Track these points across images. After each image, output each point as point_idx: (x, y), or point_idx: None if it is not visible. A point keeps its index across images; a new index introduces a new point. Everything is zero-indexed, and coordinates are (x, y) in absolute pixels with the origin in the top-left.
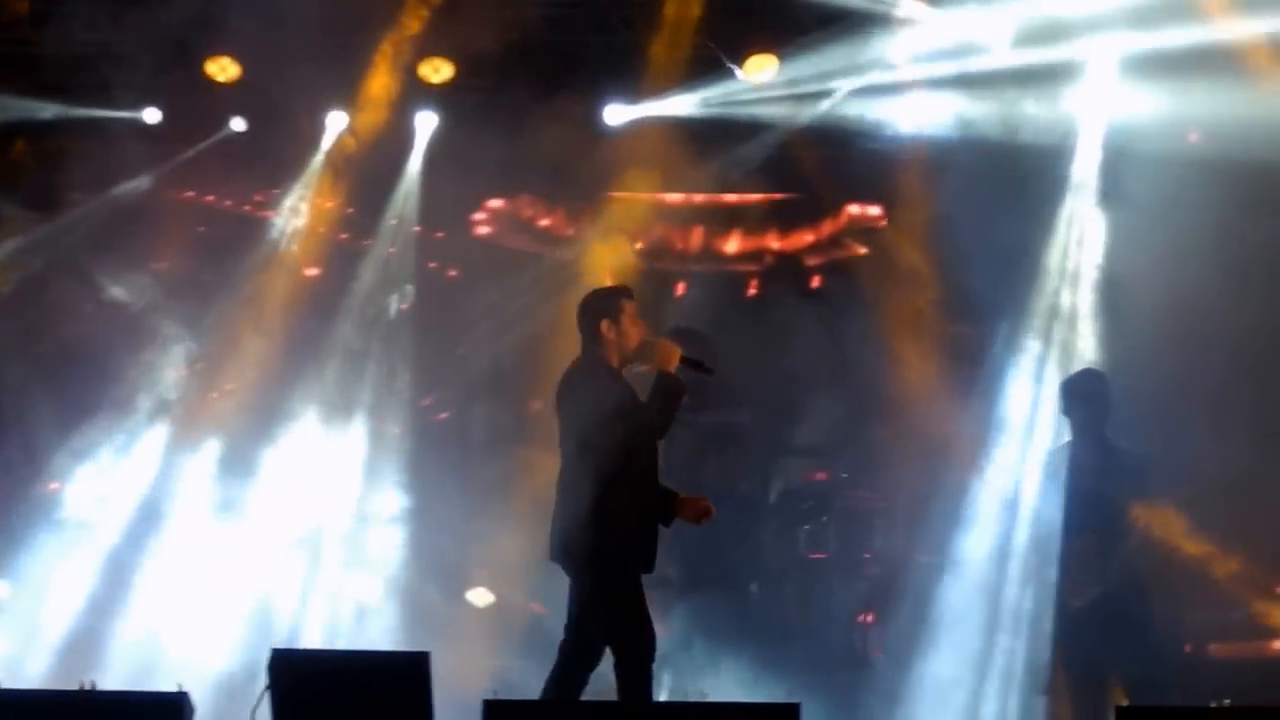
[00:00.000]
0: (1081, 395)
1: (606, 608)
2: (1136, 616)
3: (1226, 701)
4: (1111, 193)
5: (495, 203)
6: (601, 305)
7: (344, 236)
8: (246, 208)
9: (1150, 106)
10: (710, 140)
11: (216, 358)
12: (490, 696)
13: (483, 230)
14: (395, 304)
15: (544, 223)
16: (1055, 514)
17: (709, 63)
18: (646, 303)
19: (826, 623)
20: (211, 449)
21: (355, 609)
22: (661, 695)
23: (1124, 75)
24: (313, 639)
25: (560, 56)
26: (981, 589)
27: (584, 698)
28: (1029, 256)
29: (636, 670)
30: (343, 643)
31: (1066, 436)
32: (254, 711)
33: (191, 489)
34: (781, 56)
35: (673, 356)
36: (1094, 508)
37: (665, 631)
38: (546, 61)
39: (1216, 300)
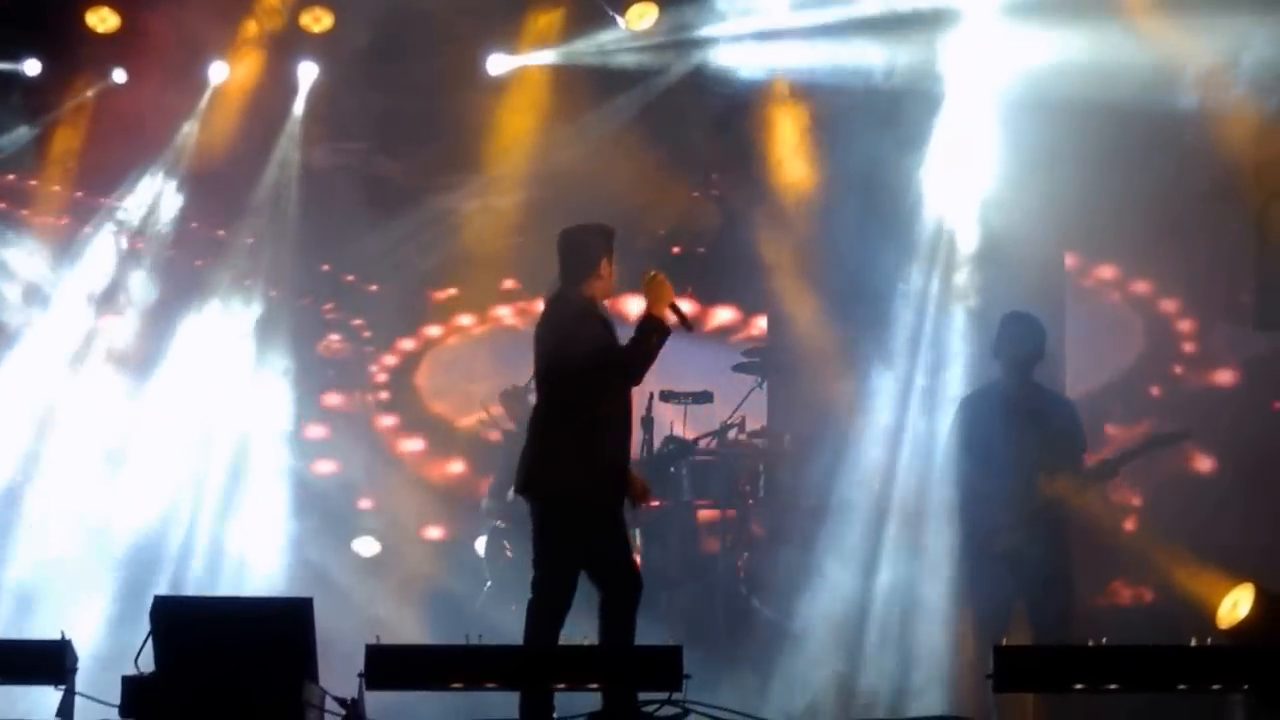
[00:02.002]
0: (1014, 337)
1: (565, 543)
2: (1048, 561)
3: (1104, 640)
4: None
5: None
6: (600, 242)
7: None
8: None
9: (1029, 53)
10: (591, 89)
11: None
12: (372, 642)
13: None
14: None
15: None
16: (979, 454)
17: (591, 11)
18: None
19: (709, 568)
20: (93, 392)
21: (241, 556)
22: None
23: (1003, 21)
24: (196, 585)
25: (441, 5)
26: (864, 531)
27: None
28: (909, 201)
29: (613, 608)
30: (227, 589)
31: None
32: (137, 658)
33: (73, 432)
34: (662, 4)
35: (665, 297)
36: (1023, 450)
37: None
38: (427, 10)
39: (1093, 247)
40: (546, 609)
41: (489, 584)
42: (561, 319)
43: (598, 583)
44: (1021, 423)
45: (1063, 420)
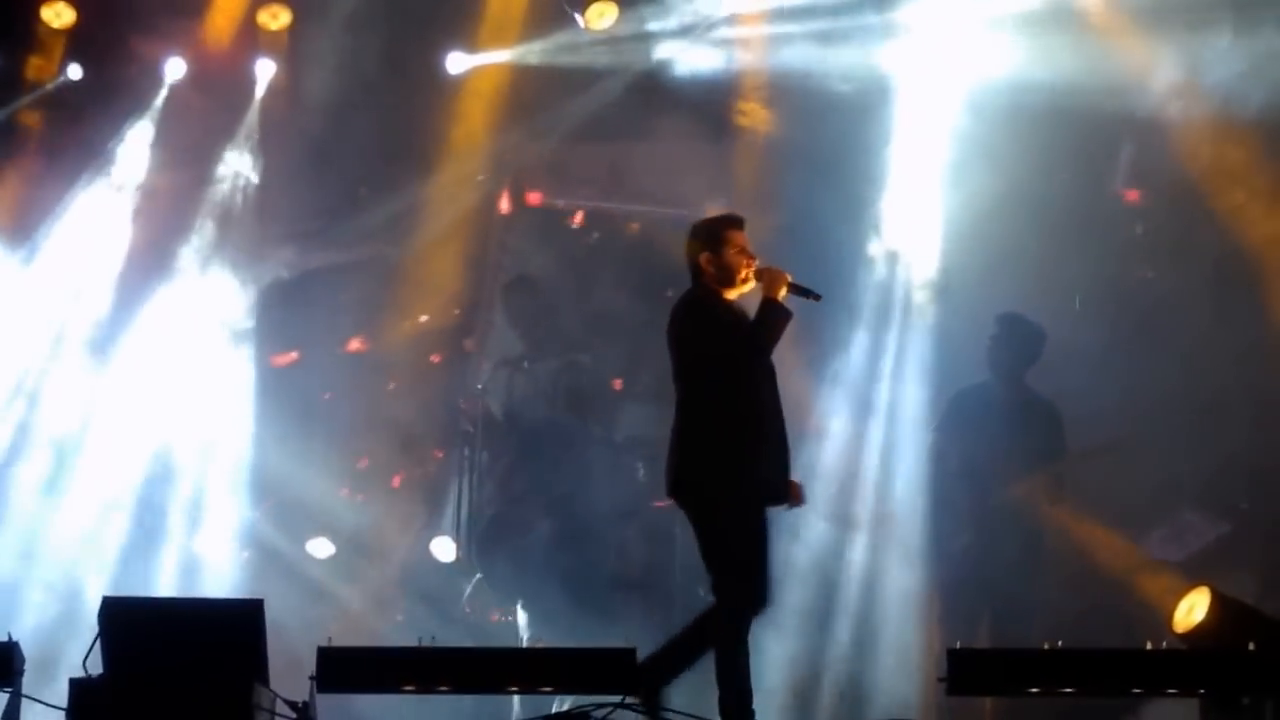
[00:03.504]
0: (1006, 339)
1: (712, 543)
2: (1015, 567)
3: (1059, 643)
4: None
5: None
6: (702, 238)
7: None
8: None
9: (985, 58)
10: (551, 88)
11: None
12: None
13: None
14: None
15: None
16: (959, 452)
17: (550, 10)
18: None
19: (668, 569)
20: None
21: (193, 556)
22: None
23: (961, 26)
24: (146, 586)
25: (400, 3)
26: (825, 532)
27: None
28: (865, 207)
29: (722, 618)
30: (178, 590)
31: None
32: (85, 659)
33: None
34: (622, 4)
35: (779, 283)
36: (1002, 452)
37: (527, 576)
38: (386, 8)
39: (1048, 250)
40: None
41: (470, 584)
42: (679, 317)
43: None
44: (1004, 425)
45: (1045, 424)
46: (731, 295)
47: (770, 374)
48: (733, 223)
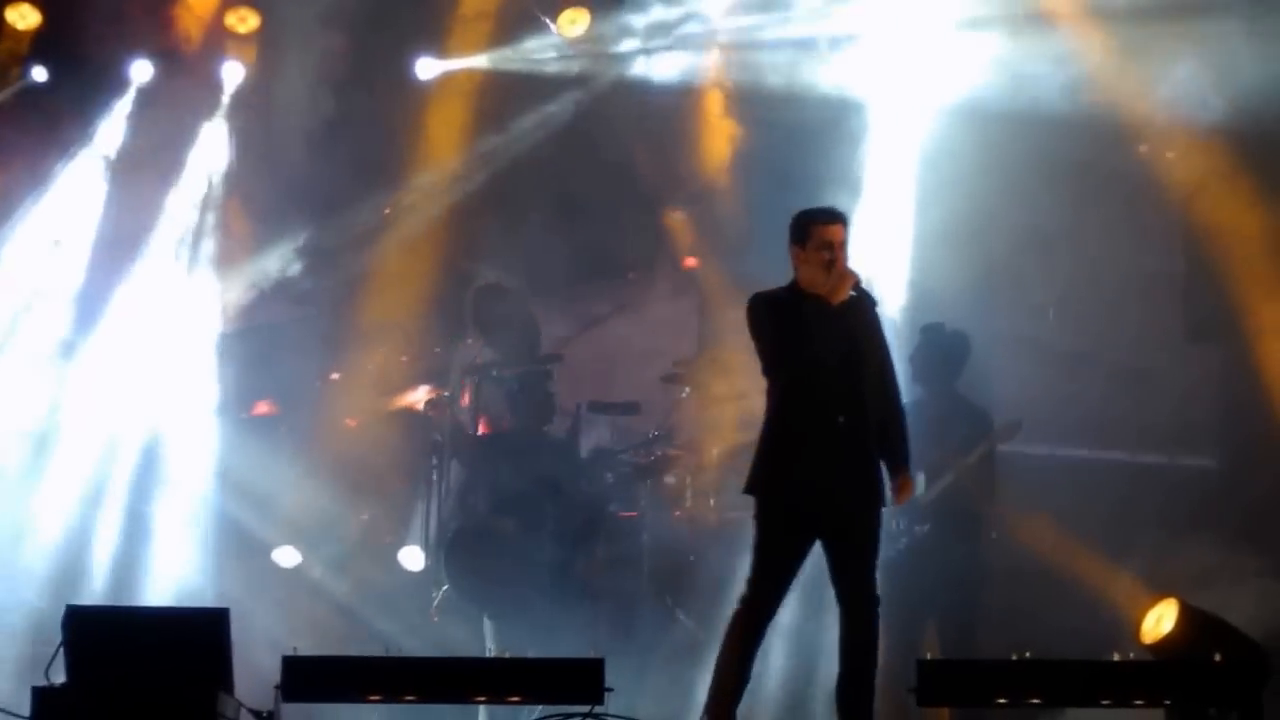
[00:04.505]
0: (930, 349)
1: (760, 544)
2: (950, 561)
3: (1027, 654)
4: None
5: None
6: (791, 232)
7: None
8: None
9: (960, 64)
10: (522, 95)
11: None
12: (290, 653)
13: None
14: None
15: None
16: None
17: (522, 16)
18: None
19: (635, 579)
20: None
21: (158, 564)
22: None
23: (932, 33)
24: (110, 594)
25: (370, 8)
26: None
27: None
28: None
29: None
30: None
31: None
32: (48, 668)
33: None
34: (594, 11)
35: (842, 287)
36: (930, 462)
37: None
38: (356, 13)
39: (1021, 256)
40: (744, 617)
41: (438, 594)
42: (747, 314)
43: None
44: (930, 437)
45: (966, 429)
46: (821, 291)
47: (844, 360)
48: (821, 218)
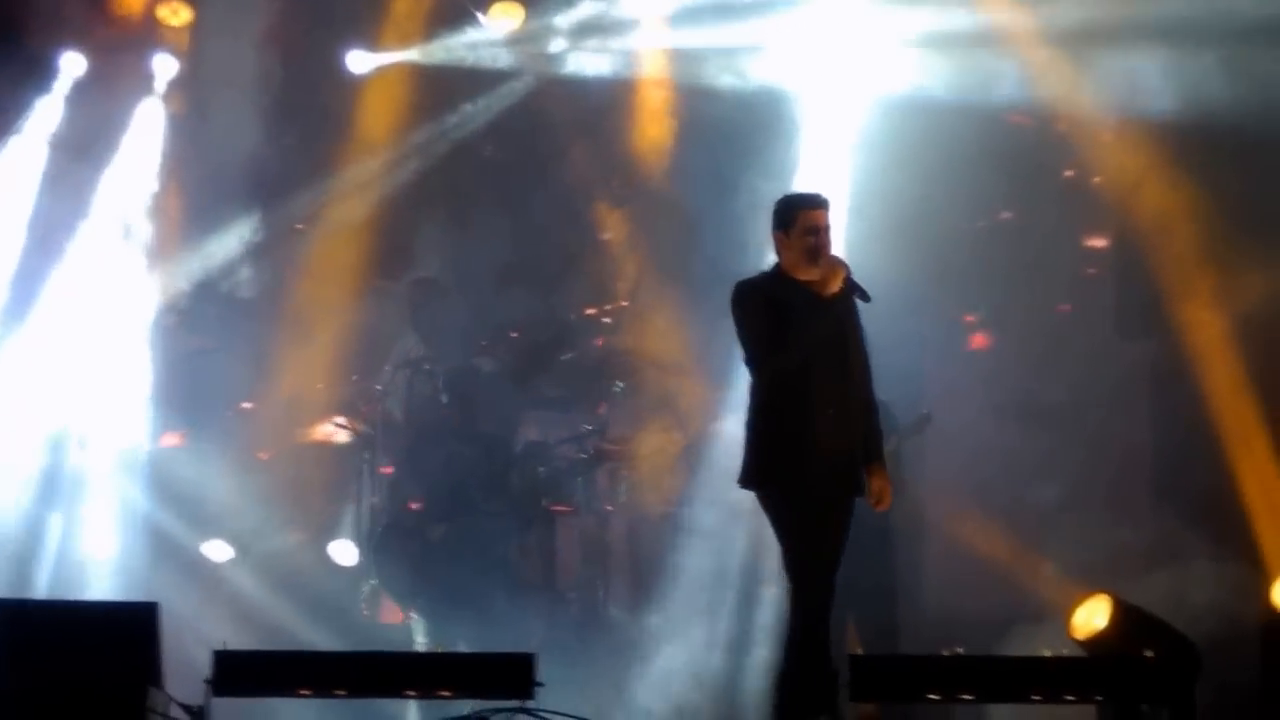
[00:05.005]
0: None
1: (779, 531)
2: (872, 563)
3: (959, 649)
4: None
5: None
6: (775, 216)
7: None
8: None
9: (895, 59)
10: (454, 90)
11: None
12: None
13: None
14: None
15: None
16: None
17: (454, 10)
18: None
19: (567, 574)
20: None
21: (89, 558)
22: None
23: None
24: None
25: (303, 2)
26: (717, 540)
27: None
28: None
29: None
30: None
31: None
32: None
33: None
34: (527, 6)
35: (834, 279)
36: None
37: (424, 580)
38: (288, 6)
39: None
40: (799, 608)
41: (367, 588)
42: (731, 301)
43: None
44: None
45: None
46: (806, 277)
47: (832, 351)
48: (806, 203)
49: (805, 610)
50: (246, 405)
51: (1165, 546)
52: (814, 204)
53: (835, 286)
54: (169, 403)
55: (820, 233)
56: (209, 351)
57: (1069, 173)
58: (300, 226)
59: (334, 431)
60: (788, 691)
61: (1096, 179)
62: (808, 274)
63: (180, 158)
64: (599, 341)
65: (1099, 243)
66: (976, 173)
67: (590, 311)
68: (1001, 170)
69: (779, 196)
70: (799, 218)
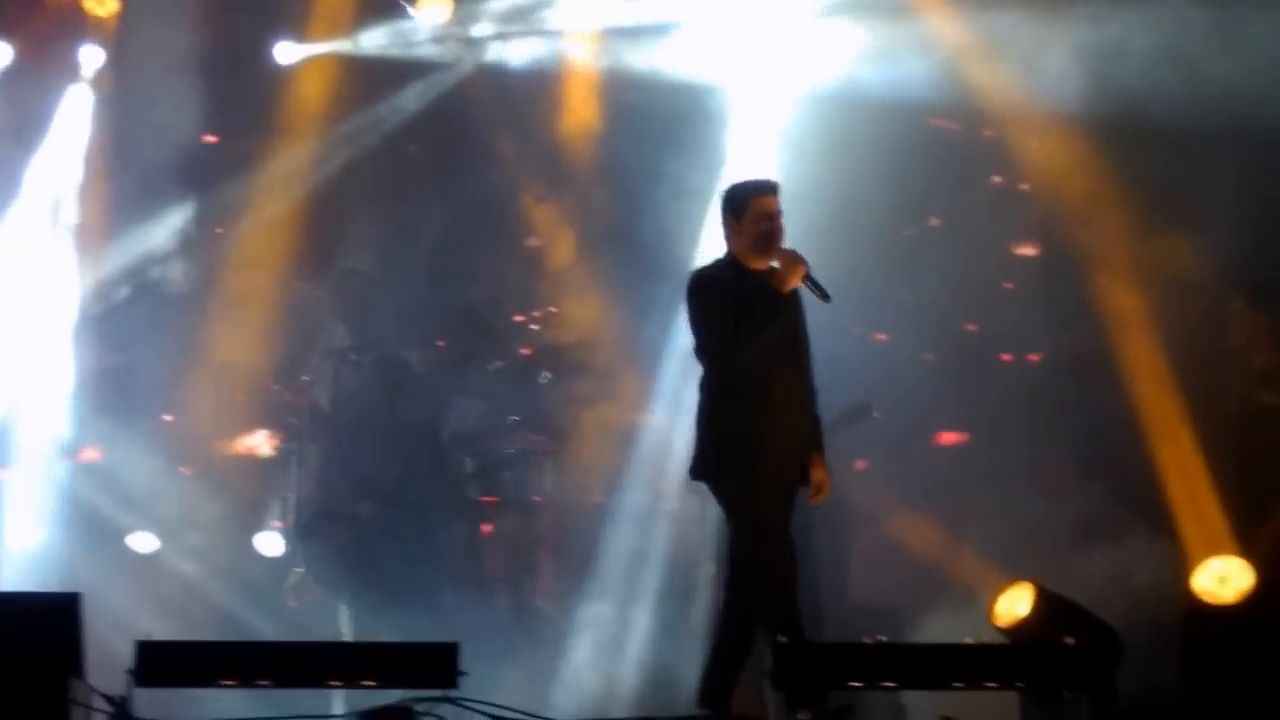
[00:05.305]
0: None
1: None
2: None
3: (882, 638)
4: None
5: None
6: (727, 204)
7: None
8: None
9: (823, 50)
10: (383, 80)
11: None
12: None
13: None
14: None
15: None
16: None
17: (383, 1)
18: None
19: (494, 564)
20: None
21: (10, 551)
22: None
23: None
24: None
25: None
26: (645, 530)
27: None
28: (695, 196)
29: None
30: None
31: None
32: None
33: None
34: None
35: (794, 274)
36: None
37: (350, 570)
38: None
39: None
40: (752, 598)
41: (293, 577)
42: (686, 292)
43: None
44: None
45: None
46: (760, 266)
47: (786, 343)
48: (759, 189)
49: (757, 599)
50: (167, 418)
51: (1098, 528)
52: (766, 190)
53: (795, 283)
54: (89, 413)
55: (773, 218)
56: (126, 363)
57: (997, 178)
58: (220, 230)
59: (257, 445)
60: (723, 677)
61: (1024, 185)
62: (761, 263)
63: (107, 149)
64: (528, 338)
65: (1027, 250)
66: (903, 170)
67: (519, 319)
68: (930, 161)
69: (726, 185)
70: (751, 204)
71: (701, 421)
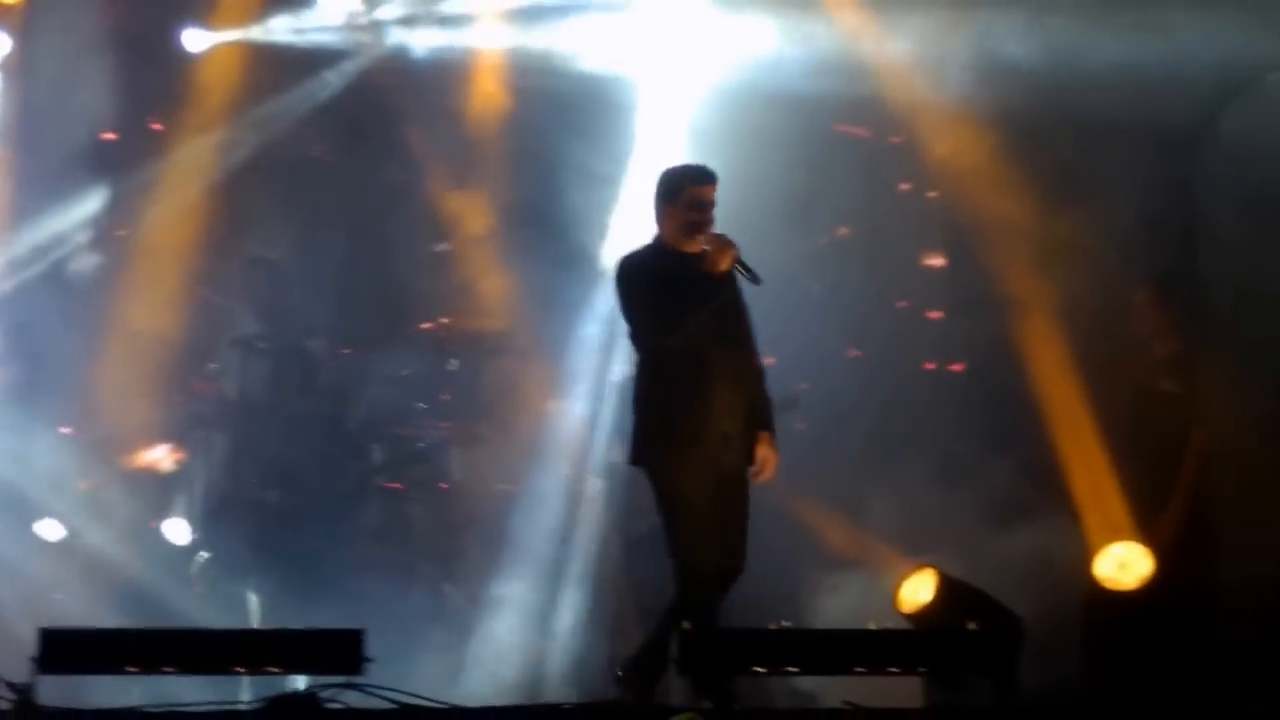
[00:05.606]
0: None
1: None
2: None
3: (786, 624)
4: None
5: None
6: (660, 188)
7: None
8: None
9: (731, 41)
10: (291, 68)
11: None
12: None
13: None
14: None
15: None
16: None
17: None
18: None
19: (401, 551)
20: None
21: None
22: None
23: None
24: None
25: None
26: (557, 518)
27: None
28: (604, 183)
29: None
30: None
31: None
32: None
33: None
34: None
35: (722, 258)
36: None
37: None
38: None
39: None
40: (681, 593)
41: (199, 564)
42: (615, 275)
43: None
44: None
45: None
46: (690, 249)
47: (721, 323)
48: (695, 177)
49: (686, 586)
50: (65, 430)
51: (1004, 513)
52: (702, 179)
53: (724, 266)
54: None
55: (705, 208)
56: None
57: (902, 158)
58: (122, 233)
59: (159, 458)
60: (647, 663)
61: (929, 163)
62: (693, 245)
63: (14, 133)
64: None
65: (934, 260)
66: (807, 157)
67: (429, 306)
68: (834, 155)
69: (663, 168)
70: (686, 191)
71: (637, 407)
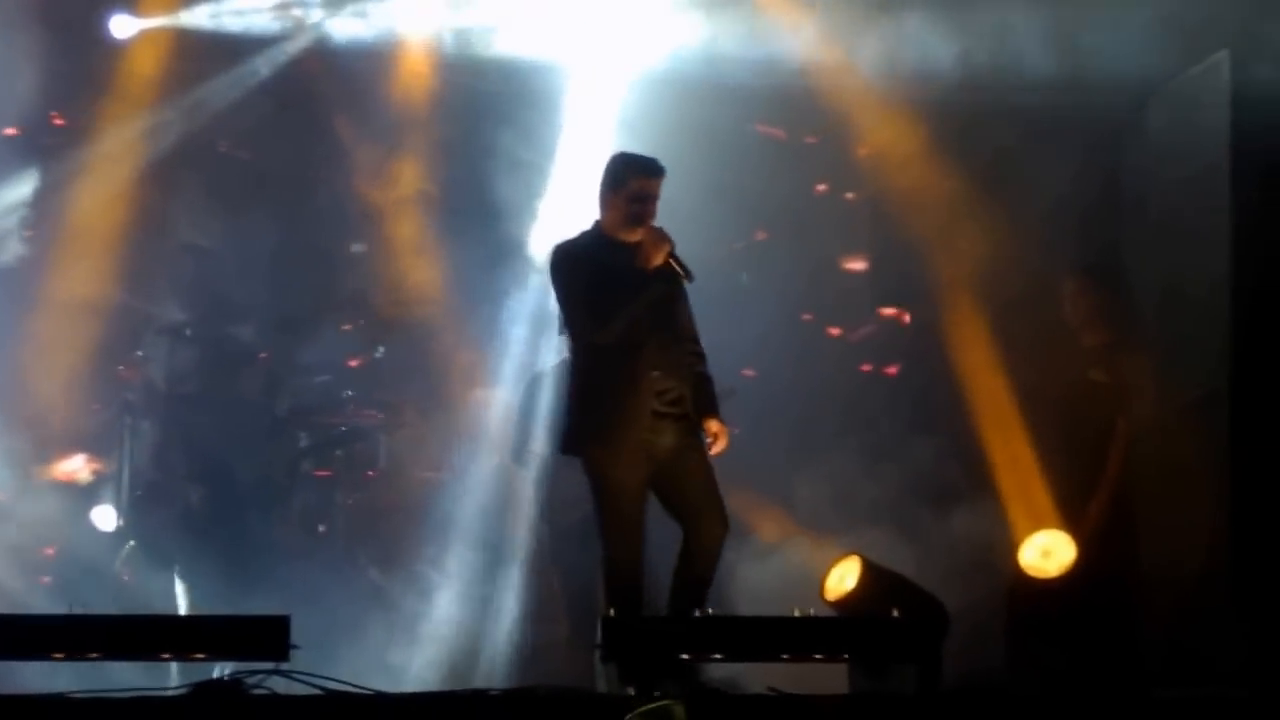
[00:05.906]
0: None
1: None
2: None
3: (710, 610)
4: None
5: None
6: (605, 175)
7: None
8: None
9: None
10: (219, 55)
11: None
12: None
13: None
14: None
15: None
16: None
17: None
18: None
19: (326, 538)
20: None
21: None
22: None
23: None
24: None
25: None
26: (482, 505)
27: None
28: (529, 171)
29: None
30: None
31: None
32: None
33: None
34: None
35: (657, 252)
36: None
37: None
38: None
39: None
40: (608, 580)
41: (125, 550)
42: (549, 264)
43: None
44: None
45: None
46: (628, 239)
47: (657, 313)
48: (641, 169)
49: (611, 574)
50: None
51: (928, 499)
52: (649, 171)
53: (658, 261)
54: None
55: (648, 201)
56: None
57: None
58: (29, 233)
59: (77, 469)
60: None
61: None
62: (630, 236)
63: None
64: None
65: (856, 263)
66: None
67: (354, 292)
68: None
69: (612, 154)
70: (631, 182)
71: (570, 395)
